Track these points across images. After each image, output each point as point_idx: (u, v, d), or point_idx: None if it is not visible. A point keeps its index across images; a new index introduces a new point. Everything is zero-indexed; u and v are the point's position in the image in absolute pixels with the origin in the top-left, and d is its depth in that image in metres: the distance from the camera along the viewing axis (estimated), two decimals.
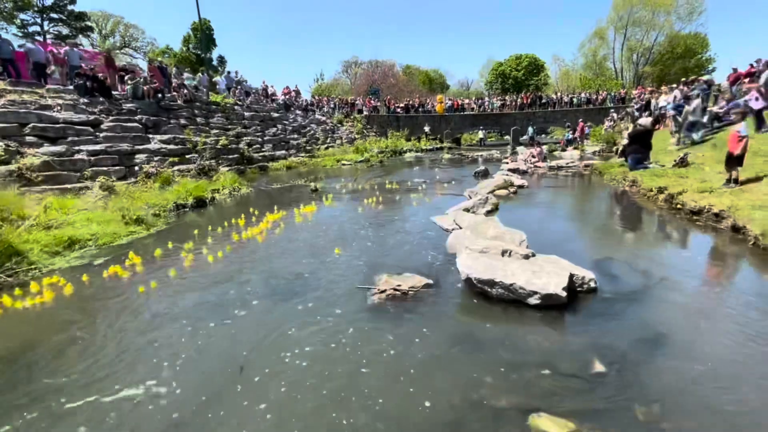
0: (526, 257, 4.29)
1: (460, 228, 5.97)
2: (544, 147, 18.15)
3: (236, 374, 2.84)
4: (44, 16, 34.80)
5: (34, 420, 2.48)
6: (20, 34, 31.75)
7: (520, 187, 10.43)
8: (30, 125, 9.69)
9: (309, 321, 3.56)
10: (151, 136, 12.55)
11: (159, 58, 26.56)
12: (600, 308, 3.58)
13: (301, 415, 2.42)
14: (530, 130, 26.62)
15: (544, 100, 32.41)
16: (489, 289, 3.77)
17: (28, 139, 9.54)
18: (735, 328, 3.18)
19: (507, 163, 15.65)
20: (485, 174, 12.67)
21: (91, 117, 11.26)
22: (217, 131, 15.51)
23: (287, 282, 4.51)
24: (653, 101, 17.94)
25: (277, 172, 15.82)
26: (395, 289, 3.94)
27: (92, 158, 10.26)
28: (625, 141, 12.31)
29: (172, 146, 12.71)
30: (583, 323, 3.33)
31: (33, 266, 4.98)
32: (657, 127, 13.75)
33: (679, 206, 7.06)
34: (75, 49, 14.71)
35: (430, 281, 4.19)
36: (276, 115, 21.04)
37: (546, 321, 3.37)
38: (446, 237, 5.74)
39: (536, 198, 9.63)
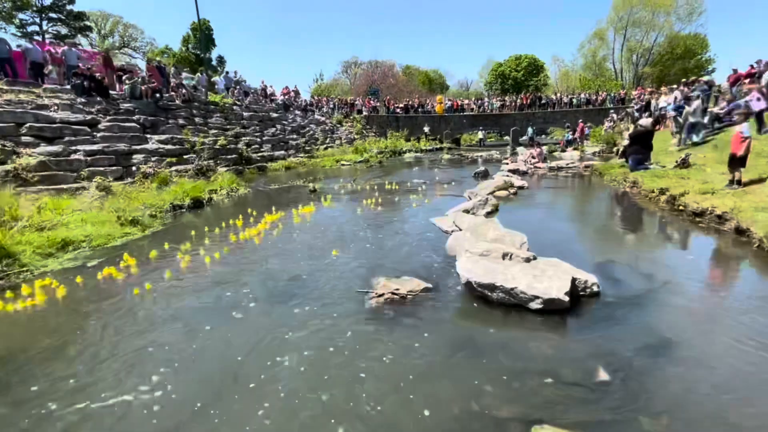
0: (527, 260, 4.21)
1: (460, 230, 5.89)
2: (544, 148, 18.08)
3: (232, 380, 2.77)
4: (43, 15, 34.70)
5: (19, 428, 2.40)
6: (19, 34, 31.67)
7: (520, 188, 10.36)
8: (27, 125, 9.61)
9: (306, 325, 3.48)
10: (148, 136, 12.47)
11: (158, 58, 26.47)
12: (603, 313, 3.50)
13: (298, 423, 2.35)
14: (530, 130, 26.57)
15: (543, 101, 32.35)
16: (489, 294, 3.69)
17: (25, 139, 9.46)
18: (743, 333, 3.10)
19: (507, 163, 15.58)
20: (485, 175, 12.60)
21: (88, 117, 11.18)
22: (215, 131, 15.42)
23: (285, 284, 4.44)
24: (653, 102, 17.89)
25: (275, 173, 15.74)
26: (394, 293, 3.86)
27: (89, 158, 10.18)
28: (625, 142, 12.25)
29: (169, 146, 12.63)
30: (586, 329, 3.25)
31: (25, 268, 4.89)
32: (657, 127, 13.69)
33: (681, 208, 6.99)
34: (73, 48, 14.63)
35: (430, 285, 4.11)
36: (275, 115, 20.97)
37: (548, 326, 3.29)
38: (446, 239, 5.66)
39: (536, 199, 9.56)
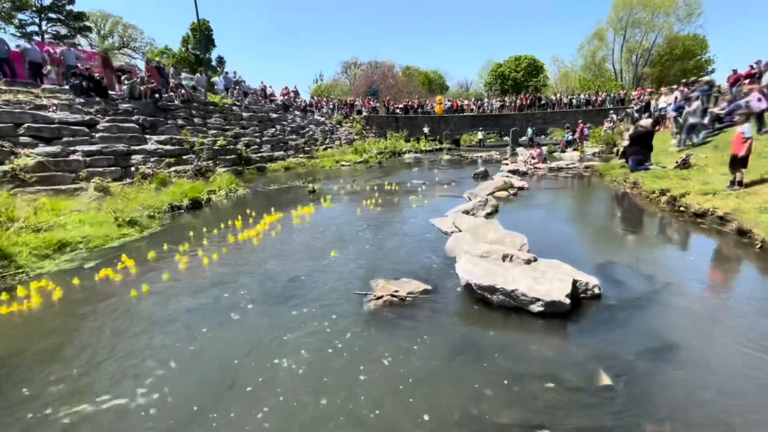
0: (528, 262, 4.17)
1: (460, 231, 5.85)
2: (544, 148, 18.05)
3: (230, 382, 2.75)
4: (42, 16, 34.65)
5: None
6: (18, 34, 31.64)
7: (520, 188, 10.32)
8: (25, 125, 9.57)
9: (304, 327, 3.45)
10: (147, 136, 12.42)
11: (157, 59, 26.43)
12: (605, 316, 3.46)
13: (297, 426, 2.32)
14: (529, 131, 26.55)
15: (543, 102, 32.29)
16: (489, 296, 3.65)
17: (23, 139, 9.42)
18: (746, 336, 3.06)
19: (506, 164, 15.54)
20: (485, 175, 12.56)
21: (87, 117, 11.14)
22: (214, 132, 15.38)
23: (283, 286, 4.40)
24: (653, 102, 17.86)
25: (275, 173, 15.70)
26: (392, 295, 3.82)
27: (88, 159, 10.14)
28: (625, 142, 12.21)
29: (168, 147, 12.59)
30: (587, 332, 3.21)
31: (21, 270, 4.85)
32: (657, 128, 13.66)
33: (682, 208, 6.95)
34: (72, 49, 14.59)
35: (429, 287, 4.07)
36: (274, 115, 20.93)
37: (549, 329, 3.25)
38: (445, 240, 5.62)
39: (536, 200, 9.52)
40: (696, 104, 11.95)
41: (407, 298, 3.84)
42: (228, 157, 14.79)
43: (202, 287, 4.45)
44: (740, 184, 6.78)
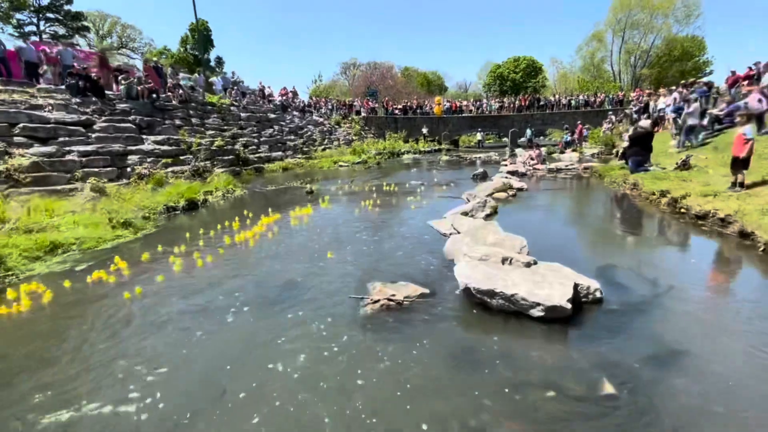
0: (528, 265, 4.10)
1: (458, 233, 5.78)
2: (543, 149, 18.00)
3: (223, 388, 2.67)
4: (40, 16, 34.54)
5: None
6: (16, 34, 31.52)
7: (519, 189, 10.25)
8: (20, 125, 9.47)
9: (300, 332, 3.37)
10: (144, 136, 12.33)
11: (155, 59, 26.33)
12: (607, 321, 3.37)
13: None
14: (528, 132, 26.51)
15: (542, 102, 32.26)
16: (489, 300, 3.57)
17: (18, 139, 9.32)
18: (753, 341, 2.99)
19: (506, 165, 15.48)
20: (484, 176, 12.50)
21: (83, 117, 11.04)
22: (212, 132, 15.29)
23: (279, 289, 4.32)
24: (652, 103, 17.83)
25: (273, 174, 15.61)
26: (389, 299, 3.74)
27: (83, 159, 10.04)
28: (625, 143, 12.16)
29: (166, 147, 12.49)
30: (589, 338, 3.12)
31: (10, 272, 4.75)
32: (656, 129, 13.62)
33: (683, 210, 6.88)
34: (68, 48, 14.50)
35: (427, 290, 3.99)
36: (273, 116, 20.84)
37: (550, 335, 3.17)
38: (443, 242, 5.54)
39: (536, 201, 9.45)
40: (695, 106, 11.90)
41: (405, 302, 3.76)
42: (226, 157, 14.69)
43: (196, 289, 4.37)
44: (742, 185, 6.71)
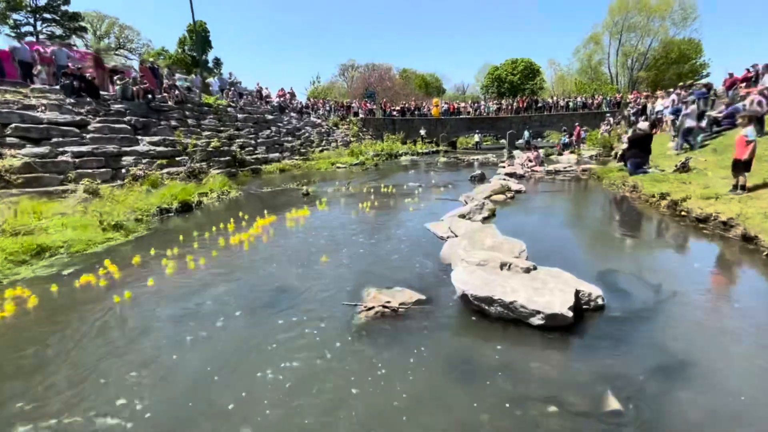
0: (527, 270, 3.98)
1: (456, 236, 5.67)
2: (541, 151, 17.94)
3: (211, 398, 2.56)
4: (37, 16, 34.37)
5: None
6: (13, 35, 31.34)
7: (518, 191, 10.15)
8: (12, 125, 9.33)
9: (292, 339, 3.25)
10: (140, 137, 12.19)
11: (151, 59, 26.19)
12: (609, 329, 3.25)
13: None
14: (526, 134, 26.49)
15: (540, 104, 32.24)
16: (487, 307, 3.45)
17: (10, 140, 9.18)
18: (762, 351, 2.87)
19: (503, 167, 15.39)
20: (481, 178, 12.40)
21: (78, 117, 10.89)
22: (208, 133, 15.15)
23: (272, 293, 4.20)
24: (649, 105, 17.80)
25: (270, 175, 15.48)
26: (384, 306, 3.62)
27: (77, 160, 9.89)
28: (624, 146, 12.09)
29: (161, 148, 12.34)
30: (591, 347, 3.00)
31: None
32: (654, 131, 13.58)
33: (683, 213, 6.78)
34: (63, 48, 14.34)
35: (423, 297, 3.86)
36: (270, 117, 20.72)
37: (550, 344, 3.05)
38: (441, 245, 5.42)
39: (534, 203, 9.35)
40: (692, 108, 11.85)
41: (400, 309, 3.63)
42: (222, 158, 14.56)
43: (187, 293, 4.25)
44: (743, 188, 6.63)
